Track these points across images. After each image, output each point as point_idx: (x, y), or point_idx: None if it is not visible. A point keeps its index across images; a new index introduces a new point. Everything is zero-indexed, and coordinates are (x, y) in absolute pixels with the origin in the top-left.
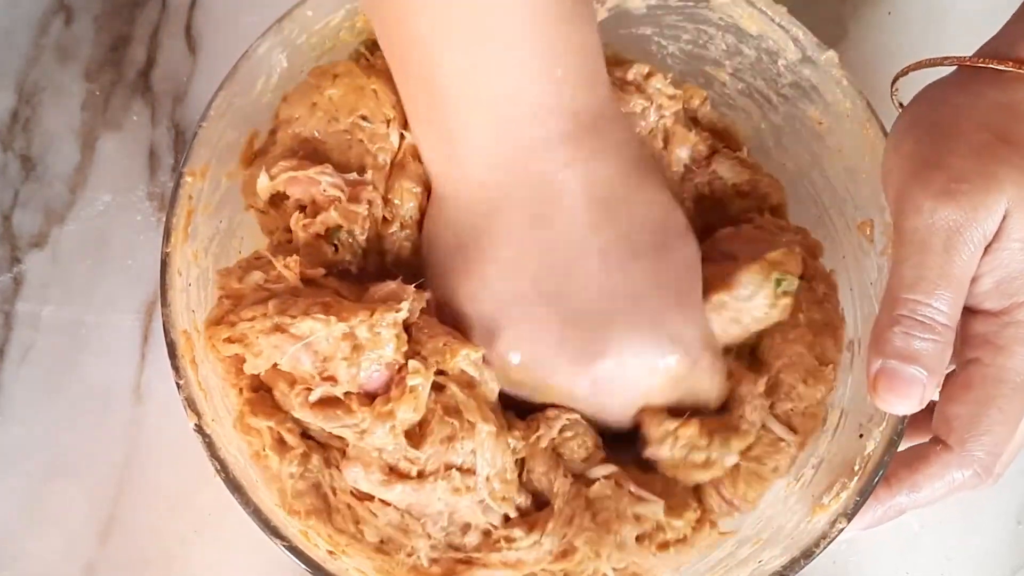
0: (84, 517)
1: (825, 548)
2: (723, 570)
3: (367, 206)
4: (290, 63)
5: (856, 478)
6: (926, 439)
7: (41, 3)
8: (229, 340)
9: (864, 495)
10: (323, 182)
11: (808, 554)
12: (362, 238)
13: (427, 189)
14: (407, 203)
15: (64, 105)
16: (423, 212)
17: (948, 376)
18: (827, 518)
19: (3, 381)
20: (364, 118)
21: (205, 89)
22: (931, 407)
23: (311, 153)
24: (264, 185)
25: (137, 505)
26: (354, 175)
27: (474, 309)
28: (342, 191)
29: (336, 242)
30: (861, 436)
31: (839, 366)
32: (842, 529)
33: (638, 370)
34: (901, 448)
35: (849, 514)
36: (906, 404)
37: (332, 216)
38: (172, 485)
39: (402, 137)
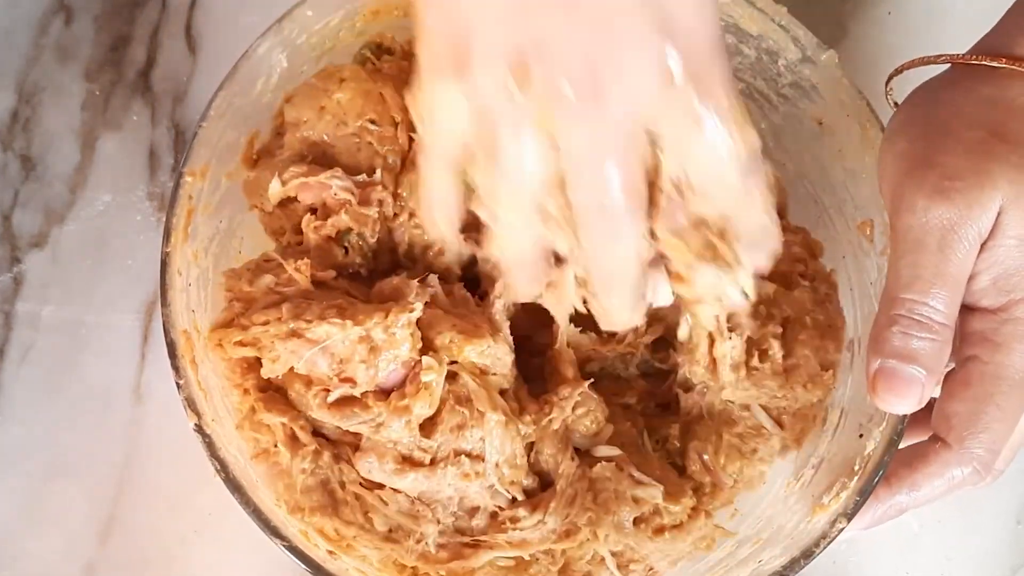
0: (84, 517)
1: (825, 548)
2: (723, 570)
3: (377, 207)
4: (290, 63)
5: (856, 478)
6: (926, 437)
7: (41, 3)
8: (241, 343)
9: (864, 495)
10: (334, 186)
11: (808, 554)
12: (372, 240)
13: None
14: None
15: (64, 105)
16: None
17: (947, 374)
18: (827, 518)
19: (3, 381)
20: (373, 121)
21: (205, 89)
22: (931, 405)
23: (320, 156)
24: (276, 191)
25: (137, 505)
26: (363, 176)
27: (444, 29)
28: (352, 194)
29: (346, 244)
30: (861, 436)
31: (839, 367)
32: (842, 529)
33: (638, 78)
34: (901, 446)
35: (849, 514)
36: (905, 403)
37: (343, 219)
38: (172, 485)
39: (411, 139)
